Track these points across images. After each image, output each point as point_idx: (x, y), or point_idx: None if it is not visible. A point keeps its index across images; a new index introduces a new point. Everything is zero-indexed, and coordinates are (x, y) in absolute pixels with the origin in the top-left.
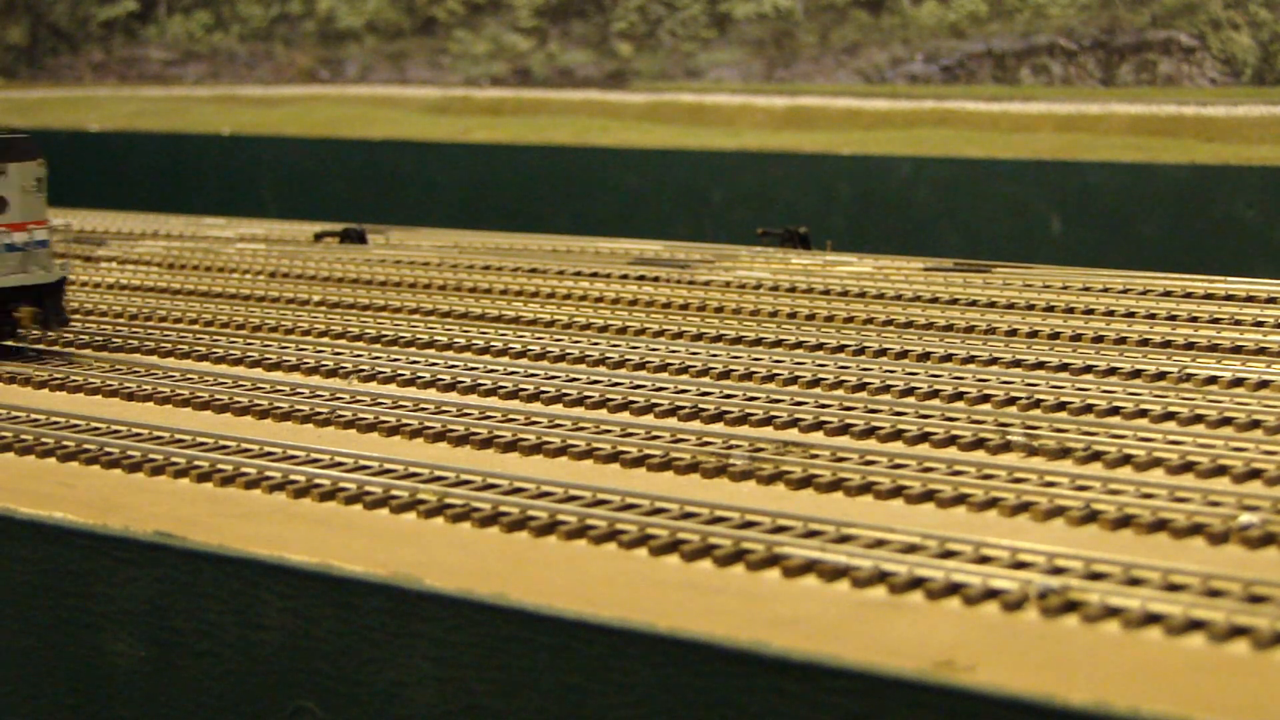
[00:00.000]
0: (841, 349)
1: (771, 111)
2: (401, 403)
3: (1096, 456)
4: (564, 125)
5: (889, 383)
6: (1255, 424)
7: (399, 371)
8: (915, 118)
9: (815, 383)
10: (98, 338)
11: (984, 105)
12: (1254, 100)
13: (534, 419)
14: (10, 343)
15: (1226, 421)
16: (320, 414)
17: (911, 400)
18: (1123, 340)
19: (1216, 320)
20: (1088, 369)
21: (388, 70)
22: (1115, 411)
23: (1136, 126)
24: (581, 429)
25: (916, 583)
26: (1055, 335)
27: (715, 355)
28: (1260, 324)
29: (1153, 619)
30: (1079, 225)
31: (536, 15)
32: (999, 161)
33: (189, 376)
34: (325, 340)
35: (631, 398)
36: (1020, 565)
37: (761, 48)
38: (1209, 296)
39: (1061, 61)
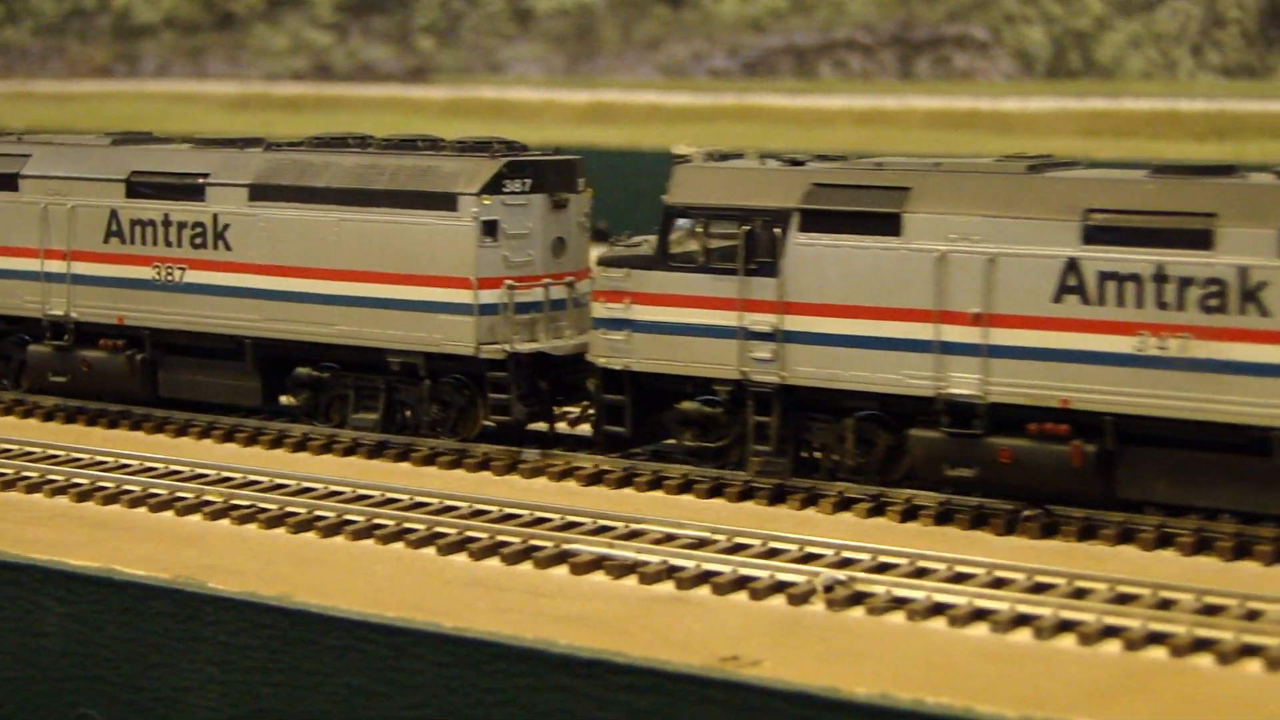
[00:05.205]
0: None
1: (574, 106)
2: None
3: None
4: (366, 121)
5: None
6: None
7: None
8: (717, 112)
9: None
10: None
11: (785, 100)
12: (1046, 94)
13: None
14: None
15: None
16: (107, 414)
17: None
18: None
19: None
20: None
21: (186, 66)
22: None
23: (933, 120)
24: None
25: (705, 577)
26: None
27: None
28: None
29: (938, 609)
30: None
31: (337, 10)
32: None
33: None
34: None
35: None
36: (809, 558)
37: (563, 42)
38: None
39: (860, 56)
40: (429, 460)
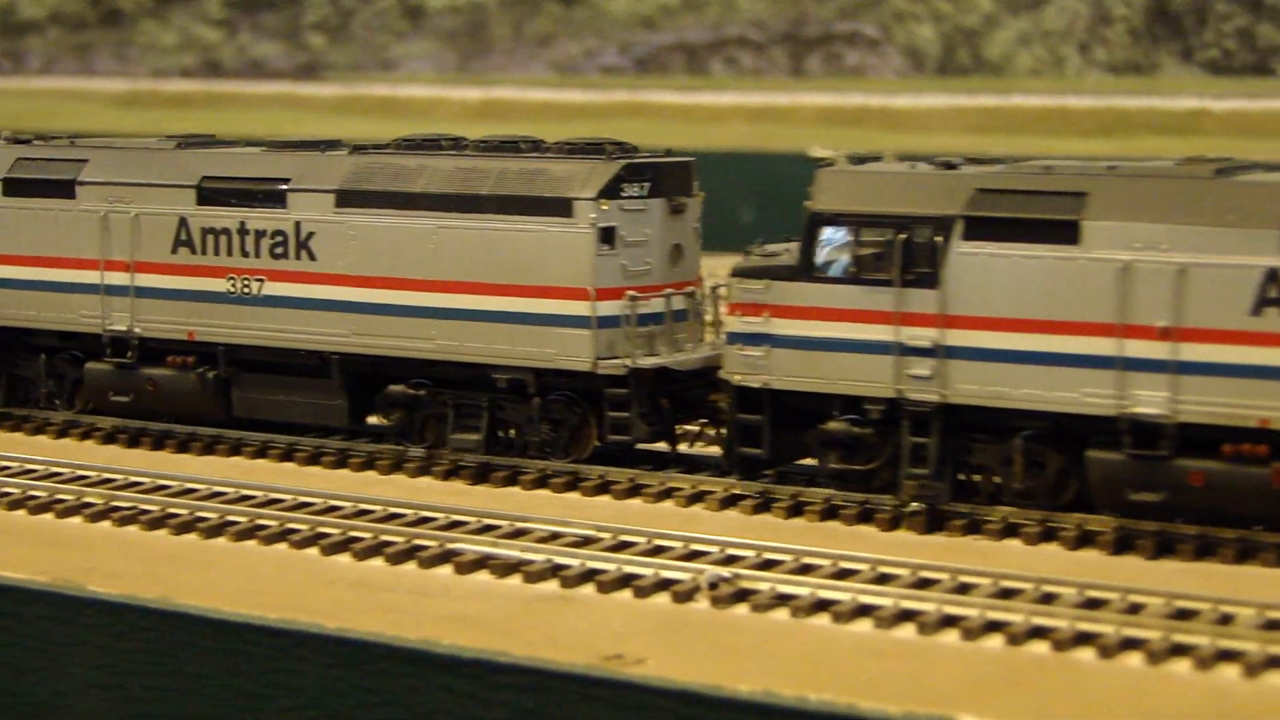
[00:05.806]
0: None
1: (466, 104)
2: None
3: None
4: (256, 119)
5: None
6: None
7: None
8: (609, 109)
9: None
10: None
11: (677, 96)
12: (936, 91)
13: None
14: None
15: None
16: None
17: None
18: None
19: None
20: None
21: (72, 62)
22: None
23: (825, 117)
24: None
25: (589, 575)
26: None
27: None
28: None
29: (822, 606)
30: (770, 215)
31: (226, 6)
32: (691, 152)
33: None
34: None
35: None
36: (694, 555)
37: (455, 39)
38: None
39: (751, 53)
40: (313, 459)
